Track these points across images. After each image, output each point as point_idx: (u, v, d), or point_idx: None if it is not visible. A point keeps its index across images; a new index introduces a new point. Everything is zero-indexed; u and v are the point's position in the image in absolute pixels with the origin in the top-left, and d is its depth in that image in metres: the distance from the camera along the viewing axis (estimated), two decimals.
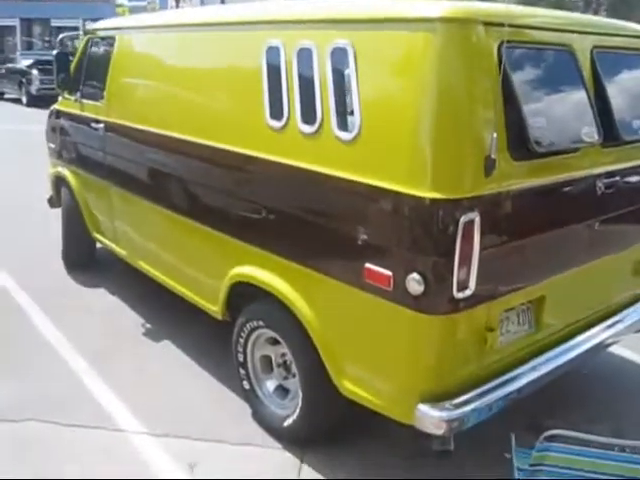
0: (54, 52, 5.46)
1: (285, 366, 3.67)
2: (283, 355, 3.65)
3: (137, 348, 4.65)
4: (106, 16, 8.24)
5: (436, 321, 2.78)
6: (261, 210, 3.46)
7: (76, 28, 28.66)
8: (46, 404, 3.92)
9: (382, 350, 2.99)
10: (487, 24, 2.76)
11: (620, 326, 3.77)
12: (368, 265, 2.90)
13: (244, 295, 3.75)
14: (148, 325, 4.98)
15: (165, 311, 5.16)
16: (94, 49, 5.33)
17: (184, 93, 4.11)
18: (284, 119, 3.25)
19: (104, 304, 5.39)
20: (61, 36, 5.87)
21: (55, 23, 30.81)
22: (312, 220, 3.21)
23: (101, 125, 4.95)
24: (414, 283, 2.73)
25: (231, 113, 3.68)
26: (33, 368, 4.34)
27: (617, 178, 3.46)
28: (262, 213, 3.46)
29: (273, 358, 3.73)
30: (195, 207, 4.05)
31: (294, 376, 3.57)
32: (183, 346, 4.67)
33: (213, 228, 3.86)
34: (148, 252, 4.72)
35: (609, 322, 3.74)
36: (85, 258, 6.03)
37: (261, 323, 3.61)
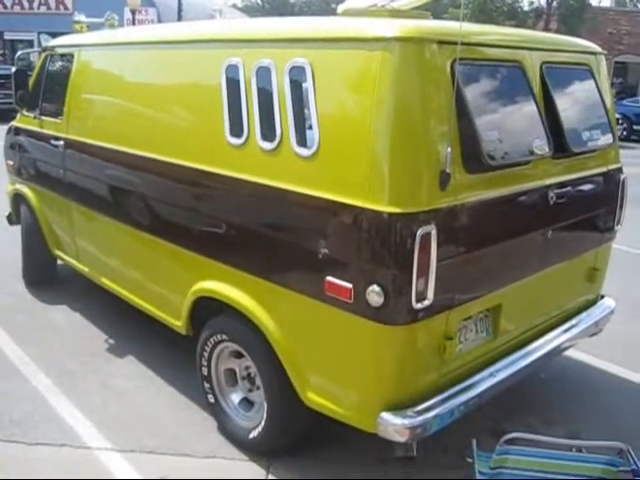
0: (13, 69, 5.43)
1: (249, 379, 3.72)
2: (247, 368, 3.69)
3: (101, 365, 4.63)
4: (62, 30, 8.15)
5: (396, 331, 2.86)
6: (223, 226, 3.51)
7: (31, 42, 28.23)
8: (9, 423, 3.90)
9: (344, 361, 3.06)
10: (441, 42, 2.86)
11: (575, 330, 3.90)
12: (329, 278, 2.97)
13: (207, 309, 3.78)
14: (112, 341, 4.97)
15: (129, 326, 5.16)
16: (52, 66, 5.31)
17: (144, 110, 4.14)
18: (244, 136, 3.31)
19: (67, 321, 5.35)
20: (19, 53, 5.78)
21: (8, 36, 30.33)
22: (273, 235, 3.26)
23: (60, 142, 4.94)
24: (374, 295, 2.80)
25: (192, 130, 3.72)
26: None
27: (568, 188, 3.59)
28: (224, 229, 3.51)
29: (237, 371, 3.76)
30: (157, 223, 4.07)
31: (258, 388, 3.61)
32: (148, 361, 4.67)
33: (175, 244, 3.89)
34: (110, 269, 4.72)
35: (564, 327, 3.87)
36: (46, 275, 5.98)
37: (225, 337, 3.65)
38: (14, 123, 5.86)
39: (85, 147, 4.67)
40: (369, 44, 2.82)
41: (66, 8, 28.61)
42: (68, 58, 5.01)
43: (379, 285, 2.79)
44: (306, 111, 3.02)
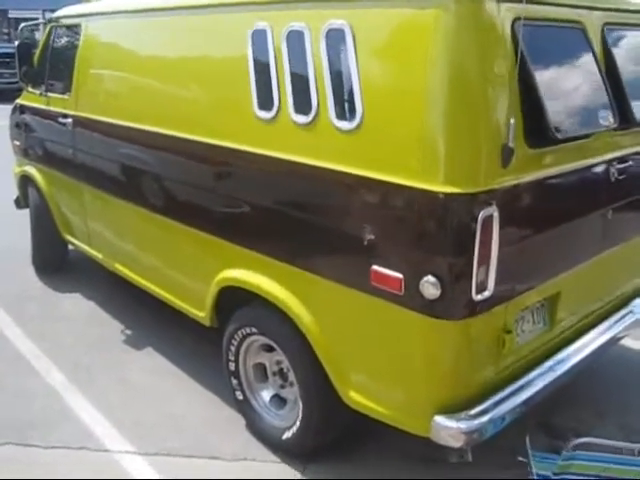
0: (16, 43, 5.08)
1: (281, 374, 3.43)
2: (279, 363, 3.41)
3: (119, 358, 4.34)
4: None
5: (453, 326, 2.55)
6: (251, 208, 3.20)
7: (36, 20, 27.76)
8: (23, 425, 3.62)
9: (392, 358, 2.75)
10: (500, 0, 2.51)
11: (632, 318, 3.58)
12: (375, 267, 2.65)
13: (234, 300, 3.48)
14: (129, 332, 4.68)
15: (147, 316, 4.85)
16: (58, 39, 4.97)
17: (160, 83, 3.81)
18: (274, 109, 2.98)
19: (80, 311, 5.05)
20: (22, 25, 5.31)
21: (13, 14, 29.87)
22: (309, 219, 2.94)
23: (69, 120, 4.62)
24: (429, 286, 2.49)
25: (215, 104, 3.38)
26: (6, 385, 4.03)
27: (629, 163, 3.25)
28: (252, 212, 3.20)
29: (268, 366, 3.47)
30: (176, 206, 3.75)
31: (292, 385, 3.33)
32: (169, 354, 4.38)
33: (198, 229, 3.58)
34: (125, 255, 4.42)
35: (620, 314, 3.55)
36: (57, 261, 5.68)
37: (254, 330, 3.35)
38: (19, 101, 5.54)
39: (96, 125, 4.34)
40: (420, 2, 2.47)
41: None
42: (75, 30, 4.68)
43: (435, 275, 2.47)
44: (346, 79, 2.68)
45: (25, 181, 5.65)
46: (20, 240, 5.95)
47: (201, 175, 3.50)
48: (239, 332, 3.44)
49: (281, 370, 3.42)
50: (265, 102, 3.04)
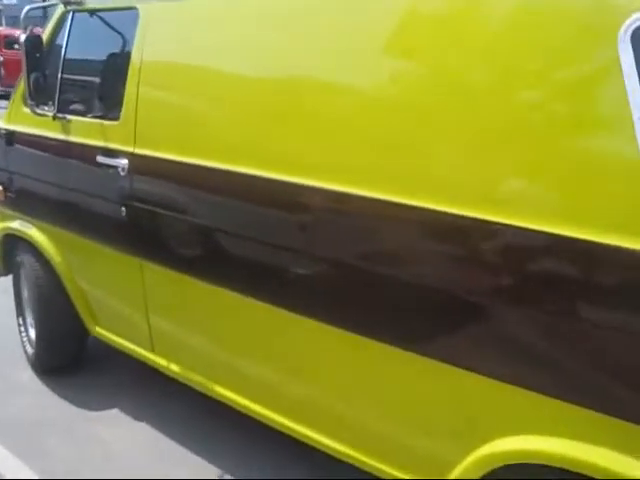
0: (22, 37, 3.19)
1: None
2: None
3: None
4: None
5: None
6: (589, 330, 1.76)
7: None
8: None
9: None
10: None
11: None
12: None
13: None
14: (229, 477, 3.02)
15: (239, 448, 3.17)
16: (83, 31, 3.21)
17: (321, 104, 2.27)
18: None
19: (132, 441, 3.27)
20: (27, 8, 3.40)
21: None
22: None
23: (121, 161, 2.91)
24: None
25: (498, 149, 1.90)
26: None
27: None
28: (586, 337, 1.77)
29: None
30: (371, 317, 2.22)
31: None
32: None
33: (430, 356, 2.09)
34: (235, 374, 2.79)
35: None
36: (71, 361, 3.88)
37: None
38: (3, 125, 3.72)
39: (182, 170, 2.69)
40: None
41: None
42: (122, 16, 2.99)
43: None
44: None
45: (10, 243, 3.85)
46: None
47: (441, 267, 2.03)
48: None
49: None
50: None
